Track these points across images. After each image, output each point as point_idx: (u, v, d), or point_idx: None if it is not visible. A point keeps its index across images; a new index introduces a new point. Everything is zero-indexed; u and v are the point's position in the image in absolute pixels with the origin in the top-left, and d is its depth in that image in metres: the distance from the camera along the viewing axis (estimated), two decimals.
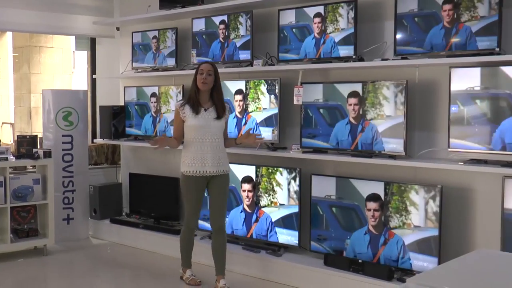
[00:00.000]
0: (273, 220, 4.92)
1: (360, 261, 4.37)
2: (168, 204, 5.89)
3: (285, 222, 4.86)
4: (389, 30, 4.43)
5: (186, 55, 5.83)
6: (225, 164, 4.53)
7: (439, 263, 3.94)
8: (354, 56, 4.48)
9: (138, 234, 5.90)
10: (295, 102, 4.75)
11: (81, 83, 10.15)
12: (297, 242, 4.80)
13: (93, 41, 7.12)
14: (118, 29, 6.75)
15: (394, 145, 4.27)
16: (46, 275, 5.21)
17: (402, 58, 4.26)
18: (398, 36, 4.27)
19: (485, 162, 3.93)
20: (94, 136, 6.92)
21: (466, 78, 3.96)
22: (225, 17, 5.34)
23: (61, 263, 5.47)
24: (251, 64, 5.11)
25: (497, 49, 3.82)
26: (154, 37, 6.02)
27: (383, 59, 4.38)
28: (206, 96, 4.48)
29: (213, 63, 4.59)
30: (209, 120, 4.42)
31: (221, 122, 4.48)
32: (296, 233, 4.79)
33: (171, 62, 5.87)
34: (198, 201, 4.54)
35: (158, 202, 6.00)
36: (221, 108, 4.47)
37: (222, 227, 4.56)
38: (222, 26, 5.38)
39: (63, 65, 10.57)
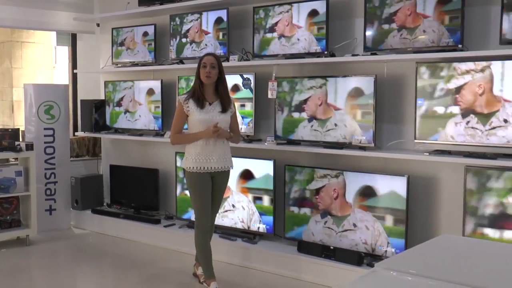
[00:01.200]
0: (256, 210, 4.94)
1: (331, 247, 4.41)
2: (147, 194, 5.87)
3: (265, 211, 4.90)
4: (359, 27, 4.45)
5: (164, 51, 5.80)
6: (229, 160, 4.22)
7: (406, 248, 4.00)
8: (326, 52, 4.50)
9: (119, 223, 5.88)
10: (269, 96, 4.76)
11: (63, 77, 10.02)
12: (272, 230, 4.83)
13: (74, 37, 7.05)
14: (98, 25, 6.68)
15: (364, 136, 4.31)
16: (29, 265, 5.15)
17: (372, 54, 4.30)
18: (368, 32, 4.31)
19: (449, 152, 3.99)
20: (75, 129, 6.87)
21: (431, 73, 4.01)
22: (202, 14, 5.32)
23: (44, 252, 5.42)
24: (228, 59, 5.10)
25: (460, 46, 3.88)
26: (134, 33, 5.96)
27: (353, 55, 4.41)
28: (210, 90, 4.14)
29: (216, 55, 4.22)
30: (215, 115, 4.09)
31: (226, 116, 4.14)
32: (271, 221, 4.83)
33: (150, 57, 5.84)
34: (207, 198, 4.15)
35: (138, 193, 5.98)
36: (226, 101, 4.14)
37: (213, 224, 4.34)
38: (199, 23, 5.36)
39: (44, 60, 10.40)
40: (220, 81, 4.15)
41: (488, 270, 1.99)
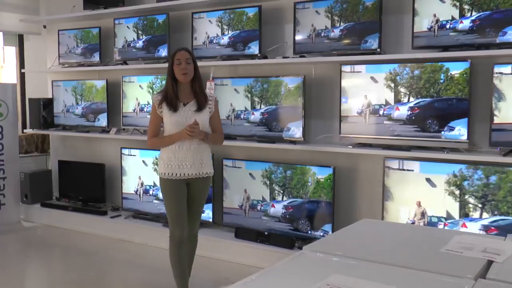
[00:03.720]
0: None
1: (266, 233, 4.43)
2: (94, 188, 5.73)
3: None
4: (288, 32, 4.48)
5: (109, 52, 5.64)
6: (208, 165, 3.51)
7: (332, 231, 4.06)
8: (259, 54, 4.50)
9: (67, 216, 5.70)
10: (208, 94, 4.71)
11: (11, 77, 9.59)
12: (211, 218, 4.80)
13: (20, 37, 6.75)
14: (45, 27, 6.43)
15: (294, 132, 4.34)
16: None
17: (300, 56, 4.33)
18: (297, 37, 4.33)
19: (370, 145, 4.08)
20: (24, 126, 6.59)
21: (354, 74, 4.09)
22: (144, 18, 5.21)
23: None
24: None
25: (378, 50, 3.97)
26: (80, 35, 5.78)
27: (284, 57, 4.43)
28: (186, 89, 3.44)
29: (189, 49, 3.53)
30: (189, 115, 3.39)
31: (203, 116, 3.43)
32: (210, 210, 4.80)
33: (95, 58, 5.67)
34: (180, 207, 3.47)
35: (85, 186, 5.82)
36: (202, 100, 3.44)
37: (195, 234, 3.66)
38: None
39: None
40: (196, 78, 3.46)
41: (402, 249, 2.05)
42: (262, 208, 4.50)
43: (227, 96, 4.66)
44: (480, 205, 3.59)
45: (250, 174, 4.57)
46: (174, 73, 3.42)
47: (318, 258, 1.92)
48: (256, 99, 4.52)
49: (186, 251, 3.57)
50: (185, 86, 3.44)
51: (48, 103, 6.09)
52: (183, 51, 3.45)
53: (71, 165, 5.99)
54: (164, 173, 3.46)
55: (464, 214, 3.64)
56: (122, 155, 5.43)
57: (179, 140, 3.40)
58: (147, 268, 4.39)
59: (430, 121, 3.77)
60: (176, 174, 3.43)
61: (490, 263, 1.81)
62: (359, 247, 2.08)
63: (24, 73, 6.64)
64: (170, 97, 3.42)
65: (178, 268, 3.52)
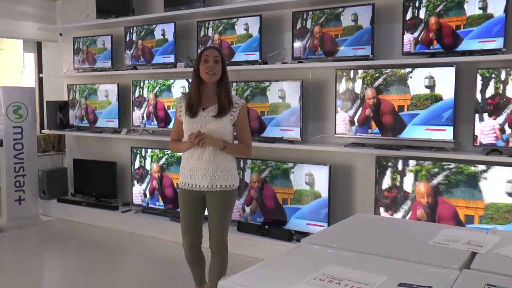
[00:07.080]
0: None
1: (266, 226, 4.43)
2: (106, 184, 5.73)
3: None
4: (287, 39, 4.47)
5: (120, 58, 5.64)
6: (224, 178, 2.92)
7: (328, 225, 4.06)
8: (259, 60, 4.50)
9: (81, 211, 5.71)
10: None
11: (31, 81, 9.63)
12: None
13: (39, 44, 6.75)
14: (61, 34, 6.44)
15: (292, 132, 4.34)
16: (0, 250, 4.91)
17: (298, 62, 4.33)
18: (295, 44, 4.33)
19: (363, 145, 4.08)
20: (42, 127, 6.59)
21: (348, 78, 4.08)
22: (152, 26, 5.21)
23: (14, 238, 5.18)
24: (175, 66, 5.02)
25: (371, 56, 3.96)
26: (93, 41, 5.78)
27: (283, 63, 4.42)
28: (211, 91, 2.91)
29: (219, 48, 3.06)
30: (205, 121, 2.88)
31: (222, 123, 2.89)
32: None
33: (107, 63, 5.67)
34: (188, 218, 3.01)
35: (98, 183, 5.82)
36: (224, 105, 2.89)
37: (218, 251, 3.02)
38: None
39: (12, 65, 9.96)
40: (222, 80, 2.92)
41: (393, 242, 2.04)
42: (262, 204, 4.50)
43: None
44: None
45: (252, 171, 4.57)
46: (199, 72, 2.90)
47: (314, 250, 1.92)
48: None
49: (212, 266, 3.08)
50: (210, 87, 2.91)
51: (63, 106, 6.10)
52: (212, 49, 2.92)
53: (85, 163, 5.99)
54: (180, 181, 3.02)
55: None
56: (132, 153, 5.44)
57: (185, 149, 2.96)
58: (155, 259, 4.39)
59: (419, 122, 3.77)
60: (188, 184, 2.96)
61: (474, 254, 1.81)
62: (353, 240, 2.08)
63: (42, 77, 6.65)
64: (192, 101, 2.90)
65: (191, 266, 3.17)
